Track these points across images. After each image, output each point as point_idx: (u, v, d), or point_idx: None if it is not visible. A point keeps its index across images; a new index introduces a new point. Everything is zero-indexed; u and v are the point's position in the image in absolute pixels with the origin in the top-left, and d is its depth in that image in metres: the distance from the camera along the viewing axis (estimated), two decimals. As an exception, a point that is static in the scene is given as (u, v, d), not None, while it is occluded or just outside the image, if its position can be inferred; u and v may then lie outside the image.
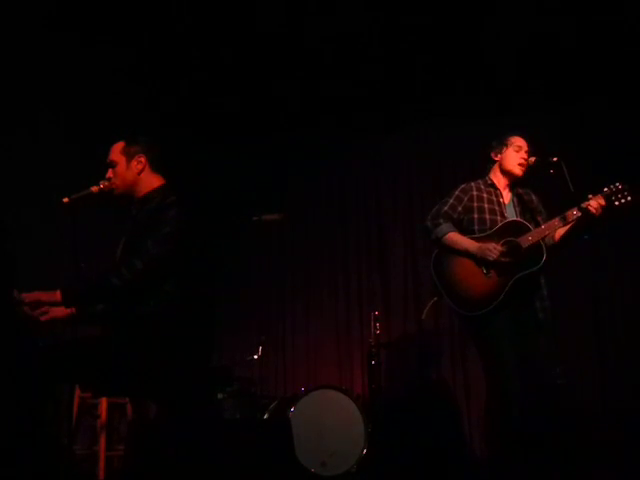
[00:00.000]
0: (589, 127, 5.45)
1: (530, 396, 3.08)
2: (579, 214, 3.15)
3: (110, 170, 2.75)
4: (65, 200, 2.68)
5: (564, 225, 3.22)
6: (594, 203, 3.12)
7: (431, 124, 5.90)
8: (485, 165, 3.57)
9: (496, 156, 3.49)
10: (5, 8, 3.83)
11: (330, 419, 4.34)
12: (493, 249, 3.20)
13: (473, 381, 5.34)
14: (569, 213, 3.19)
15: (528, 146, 3.45)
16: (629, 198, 3.14)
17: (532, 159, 3.38)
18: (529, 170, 3.40)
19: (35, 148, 4.05)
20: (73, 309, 2.57)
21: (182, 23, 4.60)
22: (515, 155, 3.42)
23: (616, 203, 3.14)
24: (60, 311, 2.54)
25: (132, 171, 2.72)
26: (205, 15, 4.53)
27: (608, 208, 3.14)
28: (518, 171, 3.40)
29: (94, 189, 2.73)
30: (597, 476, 3.81)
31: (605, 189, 3.18)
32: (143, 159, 2.72)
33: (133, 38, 4.68)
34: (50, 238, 3.94)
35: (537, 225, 3.31)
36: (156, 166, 2.77)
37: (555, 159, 3.24)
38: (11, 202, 3.65)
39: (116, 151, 2.75)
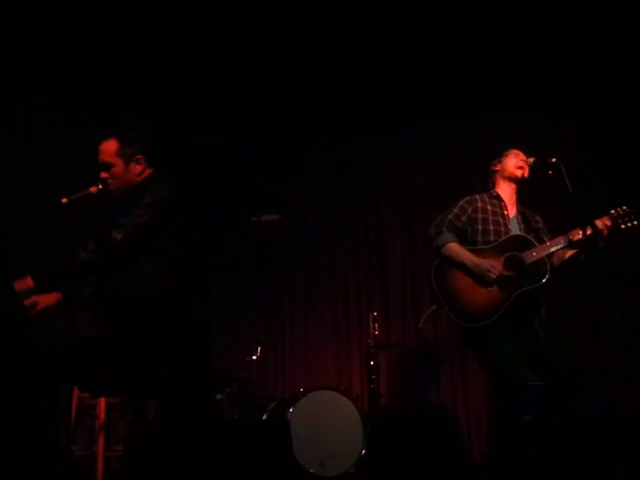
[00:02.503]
0: (589, 129, 5.46)
1: (543, 395, 3.08)
2: (583, 235, 3.12)
3: (104, 172, 2.64)
4: (64, 201, 2.66)
5: (567, 244, 3.19)
6: (600, 224, 3.10)
7: (430, 125, 5.90)
8: (488, 182, 3.58)
9: (496, 167, 3.53)
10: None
11: (329, 420, 4.33)
12: (493, 269, 3.19)
13: (472, 382, 5.35)
14: (573, 233, 3.16)
15: (525, 155, 3.48)
16: (635, 222, 3.12)
17: (531, 159, 3.40)
18: (531, 173, 3.40)
19: (34, 148, 4.04)
20: (60, 295, 2.48)
21: (184, 20, 4.59)
22: (513, 159, 3.46)
23: (622, 226, 3.12)
24: (49, 299, 2.45)
25: (132, 174, 2.63)
26: (208, 14, 4.52)
27: (614, 230, 3.11)
28: (518, 173, 3.42)
29: (93, 189, 2.70)
30: (597, 477, 3.81)
31: (612, 211, 3.15)
32: (142, 159, 2.64)
33: (134, 34, 4.67)
34: (49, 238, 3.94)
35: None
36: (154, 163, 2.69)
37: (554, 160, 3.23)
38: (10, 202, 3.65)
39: (110, 153, 2.63)
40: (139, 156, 2.64)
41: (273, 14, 4.53)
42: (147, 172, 2.67)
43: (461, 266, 3.29)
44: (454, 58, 5.04)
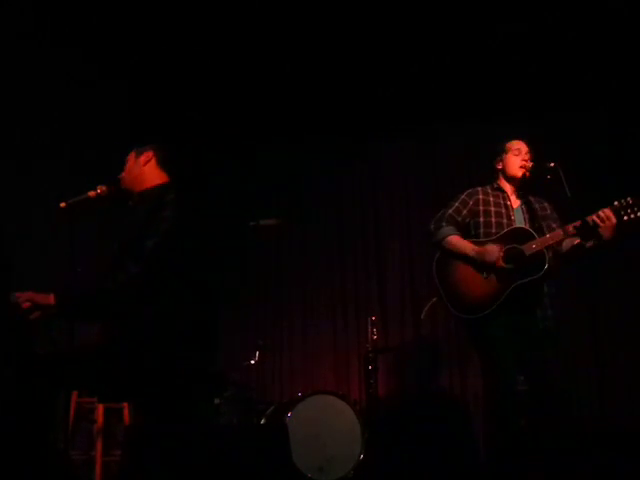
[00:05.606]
0: (587, 133, 5.48)
1: (529, 400, 3.09)
2: (581, 226, 3.11)
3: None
4: (62, 205, 2.68)
5: (567, 237, 3.19)
6: (601, 214, 3.09)
7: (429, 130, 5.91)
8: (492, 175, 3.57)
9: (498, 164, 3.51)
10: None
11: (327, 424, 4.33)
12: (492, 252, 3.20)
13: (471, 385, 5.35)
14: (571, 226, 3.15)
15: (528, 147, 3.45)
16: (639, 214, 3.09)
17: (529, 164, 3.38)
18: (532, 173, 3.38)
19: (33, 151, 4.04)
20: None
21: (184, 32, 4.60)
22: (515, 159, 3.43)
23: (625, 218, 3.09)
24: (44, 299, 2.40)
25: (138, 164, 2.77)
26: (206, 25, 4.53)
27: (617, 222, 3.09)
28: (520, 174, 3.40)
29: (91, 194, 2.73)
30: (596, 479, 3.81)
31: (615, 202, 3.13)
32: (150, 154, 2.77)
33: (137, 42, 4.68)
34: (47, 242, 3.94)
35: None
36: (163, 163, 2.79)
37: (552, 164, 3.23)
38: (9, 206, 3.65)
39: (130, 155, 2.83)
40: (149, 152, 2.78)
41: (272, 19, 4.53)
42: (153, 167, 2.77)
43: (463, 257, 3.30)
44: (454, 59, 5.05)
